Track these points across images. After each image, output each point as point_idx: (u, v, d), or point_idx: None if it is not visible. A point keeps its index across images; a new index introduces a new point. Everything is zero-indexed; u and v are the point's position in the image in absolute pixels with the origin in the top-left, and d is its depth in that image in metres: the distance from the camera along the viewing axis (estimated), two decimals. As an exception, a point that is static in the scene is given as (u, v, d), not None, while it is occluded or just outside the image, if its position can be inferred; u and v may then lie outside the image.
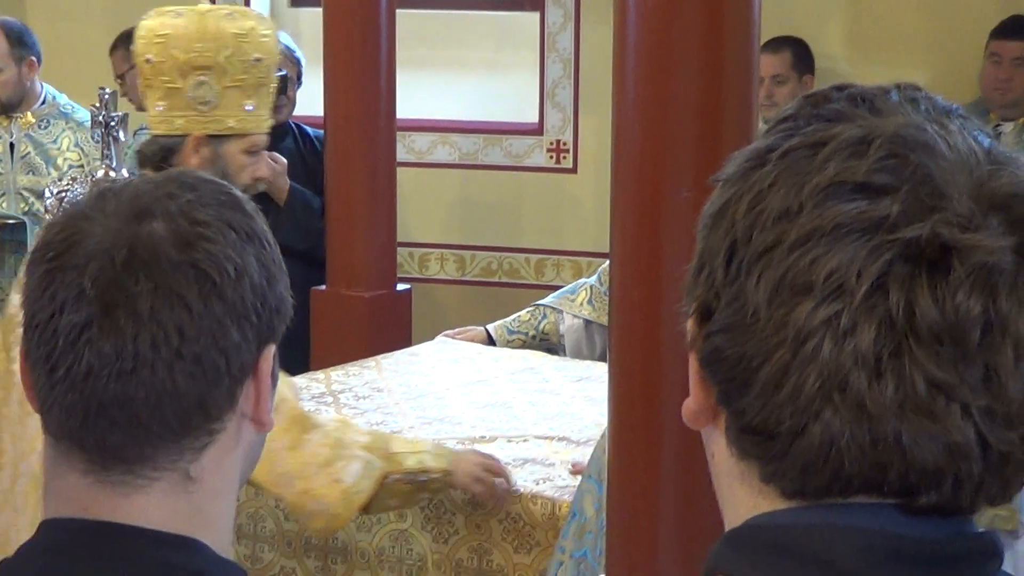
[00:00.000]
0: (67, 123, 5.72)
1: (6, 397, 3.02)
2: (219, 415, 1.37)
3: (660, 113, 2.95)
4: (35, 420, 1.41)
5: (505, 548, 3.38)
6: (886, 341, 1.00)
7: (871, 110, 1.07)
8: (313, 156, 5.56)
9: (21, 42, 5.70)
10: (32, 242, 5.56)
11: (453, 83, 6.85)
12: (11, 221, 5.62)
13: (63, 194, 3.97)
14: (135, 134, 5.02)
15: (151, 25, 3.18)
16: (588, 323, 4.82)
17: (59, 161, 5.63)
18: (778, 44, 5.79)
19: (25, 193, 5.63)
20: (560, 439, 3.79)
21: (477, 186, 6.72)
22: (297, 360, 4.79)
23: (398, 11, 5.63)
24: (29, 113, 5.69)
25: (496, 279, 6.70)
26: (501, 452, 3.63)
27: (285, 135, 5.44)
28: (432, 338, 4.92)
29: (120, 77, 5.90)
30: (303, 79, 5.67)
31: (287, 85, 5.19)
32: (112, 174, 4.12)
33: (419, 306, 5.83)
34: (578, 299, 4.87)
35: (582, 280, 5.06)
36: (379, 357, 4.62)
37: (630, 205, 3.02)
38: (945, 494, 1.03)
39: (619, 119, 3.02)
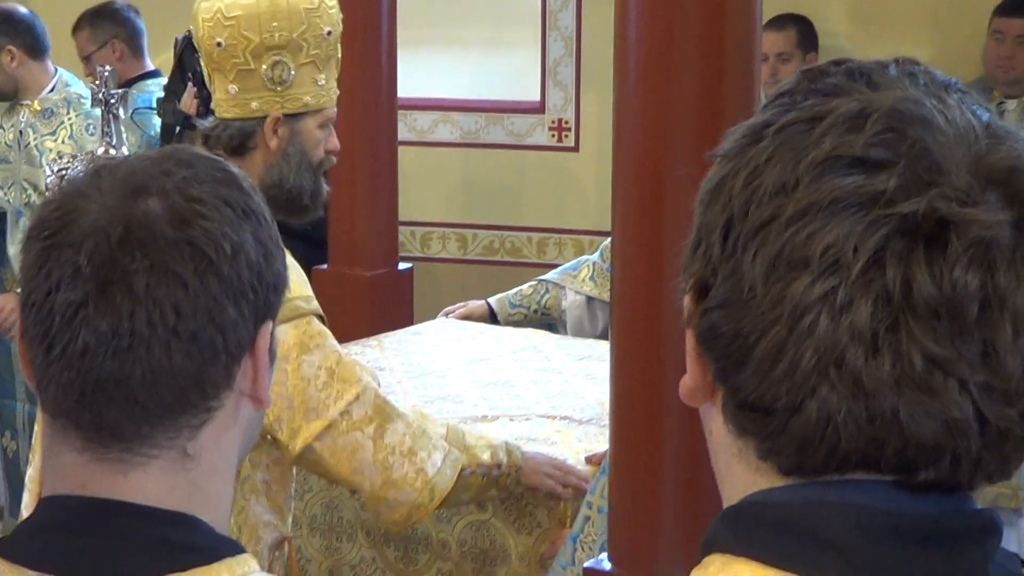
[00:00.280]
0: (71, 112, 5.54)
1: None
2: (216, 393, 1.37)
3: (662, 91, 2.95)
4: None
5: (508, 528, 3.38)
6: (883, 316, 1.00)
7: (868, 84, 1.06)
8: None
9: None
10: (11, 233, 5.51)
11: (454, 62, 6.84)
12: None
13: (63, 172, 3.96)
14: (132, 114, 5.00)
15: (217, 7, 3.10)
16: (590, 299, 4.82)
17: (54, 154, 5.52)
18: (783, 22, 5.78)
19: (25, 184, 5.54)
20: (562, 418, 3.80)
21: (479, 165, 6.71)
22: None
23: (399, -10, 5.62)
24: (36, 102, 5.58)
25: (498, 258, 6.70)
26: (503, 431, 3.63)
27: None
28: (434, 317, 4.93)
29: (86, 58, 5.77)
30: None
31: None
32: (112, 152, 4.12)
33: (421, 285, 5.82)
34: (580, 275, 4.88)
35: (584, 257, 5.06)
36: (381, 336, 4.62)
37: (632, 183, 3.02)
38: (943, 471, 1.03)
39: (620, 97, 3.01)
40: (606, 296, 4.45)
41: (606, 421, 3.29)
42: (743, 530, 1.07)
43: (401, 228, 5.85)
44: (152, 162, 1.40)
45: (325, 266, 5.45)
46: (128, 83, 5.57)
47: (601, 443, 3.43)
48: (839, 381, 1.01)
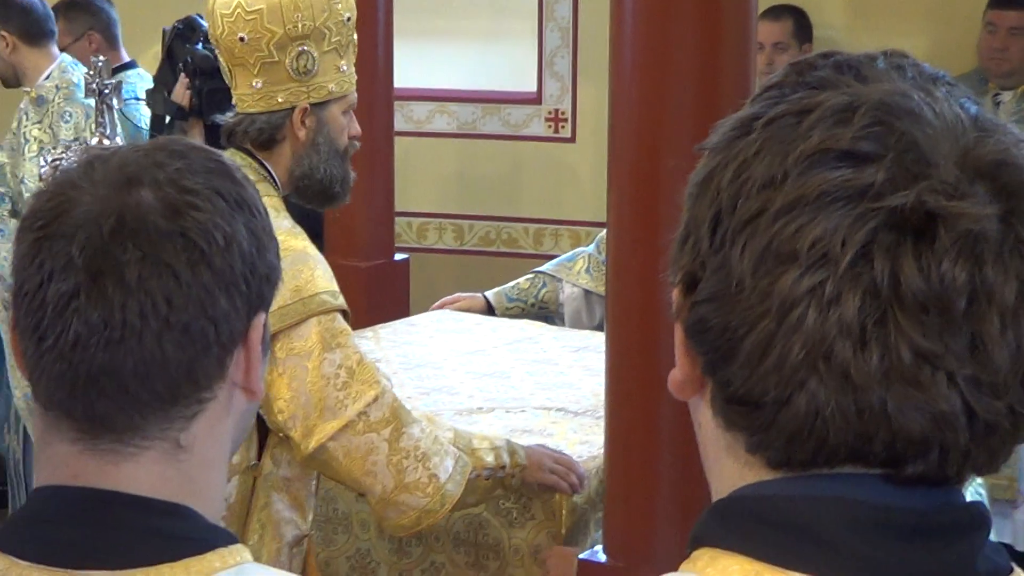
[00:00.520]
0: (57, 101, 5.43)
1: None
2: (209, 384, 1.37)
3: (658, 82, 2.95)
4: None
5: (501, 521, 3.37)
6: (871, 310, 1.00)
7: (857, 77, 1.06)
8: None
9: None
10: None
11: (451, 52, 6.84)
12: None
13: (57, 162, 3.96)
14: (124, 104, 4.98)
15: (237, 1, 3.07)
16: (587, 292, 4.82)
17: (33, 144, 5.46)
18: (779, 12, 5.79)
19: (7, 171, 5.48)
20: (558, 410, 3.79)
21: (475, 155, 6.71)
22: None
23: (397, -20, 5.61)
24: (32, 89, 5.53)
25: (494, 249, 6.70)
26: (499, 423, 3.63)
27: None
28: (430, 308, 4.92)
29: (61, 51, 5.67)
30: None
31: None
32: (106, 142, 4.11)
33: (417, 276, 5.82)
34: (576, 267, 4.88)
35: (580, 249, 5.06)
36: (377, 327, 4.61)
37: (627, 174, 3.02)
38: (931, 464, 1.03)
39: (616, 88, 3.01)
40: (602, 289, 4.45)
41: (601, 413, 3.29)
42: (732, 524, 1.07)
43: (397, 219, 5.84)
44: (145, 153, 1.40)
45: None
46: None
47: (596, 434, 3.43)
48: (827, 374, 1.01)
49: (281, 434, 2.97)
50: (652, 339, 2.90)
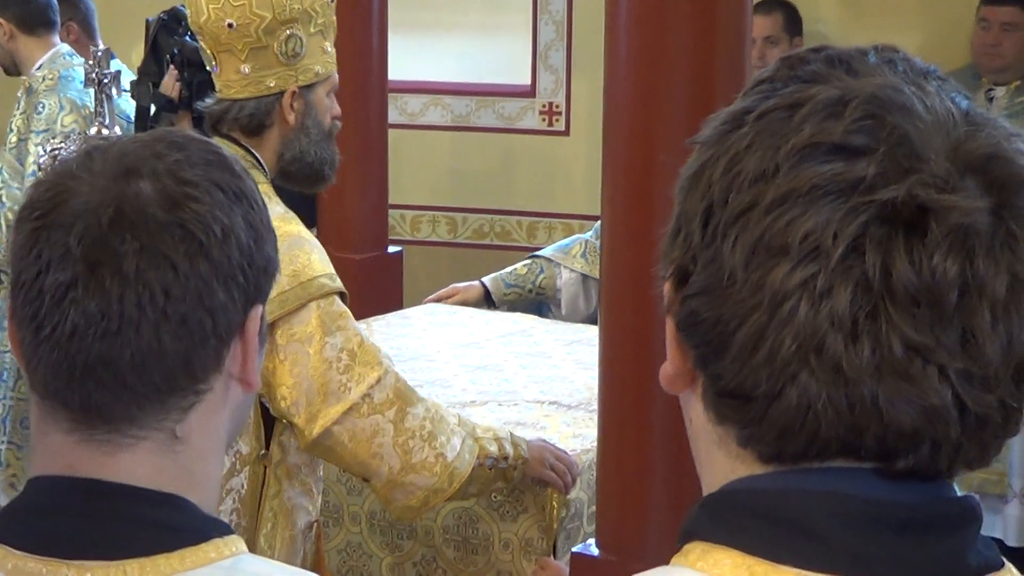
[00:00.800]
0: (40, 91, 5.38)
1: None
2: (205, 375, 1.38)
3: (652, 76, 2.95)
4: None
5: (492, 515, 3.37)
6: (862, 303, 1.00)
7: (848, 71, 1.06)
8: None
9: None
10: None
11: (446, 45, 6.84)
12: None
13: (56, 152, 3.95)
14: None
15: None
16: (585, 278, 4.82)
17: (13, 135, 5.42)
18: (769, 6, 5.79)
19: None
20: (551, 403, 3.79)
21: (469, 148, 6.71)
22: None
23: (390, -28, 5.61)
24: (28, 79, 5.52)
25: (488, 241, 6.70)
26: (492, 416, 3.63)
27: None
28: (424, 301, 4.92)
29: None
30: None
31: None
32: (105, 131, 4.11)
33: (410, 268, 5.82)
34: (572, 251, 4.90)
35: (577, 236, 5.08)
36: (370, 320, 4.61)
37: (621, 168, 3.02)
38: (922, 458, 1.03)
39: (611, 81, 3.02)
40: (597, 274, 4.45)
41: (595, 406, 3.28)
42: (723, 518, 1.07)
43: (391, 211, 5.85)
44: (144, 144, 1.40)
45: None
46: None
47: (590, 428, 3.43)
48: (819, 368, 1.01)
49: (286, 421, 2.97)
50: (646, 333, 2.90)
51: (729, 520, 1.07)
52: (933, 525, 1.05)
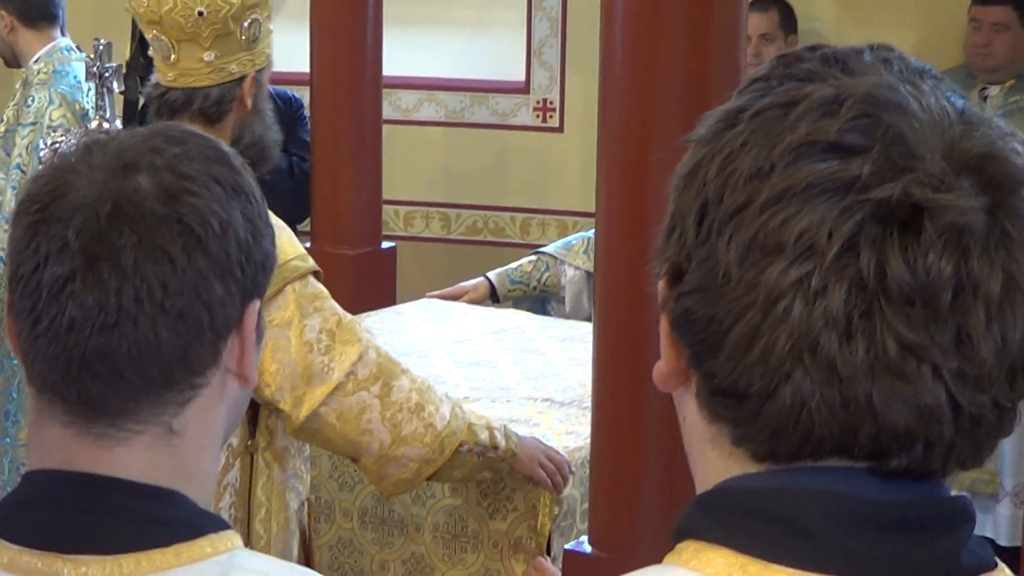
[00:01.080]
0: (33, 85, 5.36)
1: None
2: (202, 370, 1.38)
3: (647, 73, 2.95)
4: None
5: (482, 513, 3.38)
6: (857, 302, 0.99)
7: (843, 70, 1.06)
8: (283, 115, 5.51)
9: None
10: None
11: (440, 40, 6.83)
12: None
13: (56, 145, 3.95)
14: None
15: None
16: (589, 275, 4.83)
17: (2, 126, 5.41)
18: (765, 3, 5.80)
19: None
20: (544, 400, 3.79)
21: (463, 144, 6.71)
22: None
23: (385, -32, 5.61)
24: (25, 71, 5.51)
25: (481, 238, 6.70)
26: (485, 412, 3.63)
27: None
28: (417, 297, 4.92)
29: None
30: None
31: None
32: (106, 125, 4.10)
33: (404, 264, 5.83)
34: (575, 247, 4.92)
35: (582, 232, 5.09)
36: (363, 315, 4.61)
37: (616, 165, 3.02)
38: (916, 457, 1.03)
39: (606, 78, 3.02)
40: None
41: (588, 403, 3.28)
42: (716, 517, 1.07)
43: (384, 207, 5.85)
44: (142, 138, 1.40)
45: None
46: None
47: (583, 425, 3.43)
48: (813, 366, 1.01)
49: (271, 407, 2.97)
50: (640, 330, 2.91)
51: (722, 519, 1.07)
52: (927, 525, 1.04)
